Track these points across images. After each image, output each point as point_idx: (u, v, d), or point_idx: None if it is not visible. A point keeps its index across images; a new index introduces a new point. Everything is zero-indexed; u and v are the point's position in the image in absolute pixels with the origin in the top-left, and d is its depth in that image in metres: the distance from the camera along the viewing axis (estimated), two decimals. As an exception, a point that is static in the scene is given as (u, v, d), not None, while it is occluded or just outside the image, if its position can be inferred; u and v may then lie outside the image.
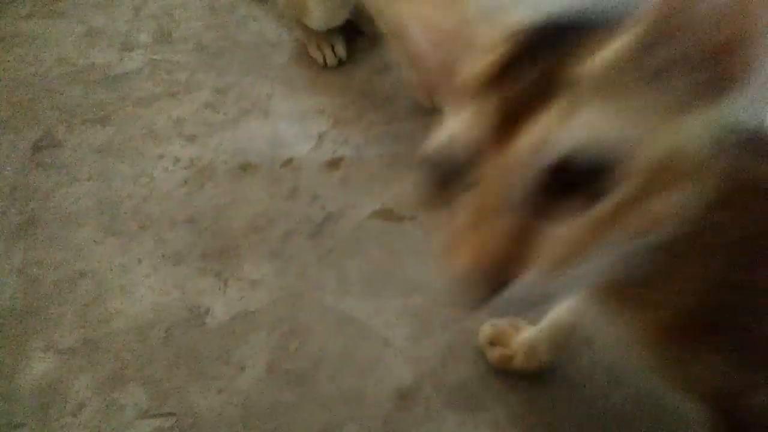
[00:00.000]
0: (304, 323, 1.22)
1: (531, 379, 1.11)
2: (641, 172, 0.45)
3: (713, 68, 0.44)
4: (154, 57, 1.77)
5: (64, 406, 1.15)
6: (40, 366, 1.21)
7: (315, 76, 1.66)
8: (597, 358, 1.13)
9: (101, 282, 1.32)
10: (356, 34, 1.70)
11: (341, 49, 1.64)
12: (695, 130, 0.46)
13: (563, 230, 0.45)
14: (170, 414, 1.13)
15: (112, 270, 1.33)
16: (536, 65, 0.47)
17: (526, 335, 1.09)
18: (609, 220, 0.45)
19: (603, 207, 0.45)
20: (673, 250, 0.50)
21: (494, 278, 0.45)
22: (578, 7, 0.52)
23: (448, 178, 0.49)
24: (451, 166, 0.48)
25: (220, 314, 1.25)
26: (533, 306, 0.48)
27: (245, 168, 1.47)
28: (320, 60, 1.65)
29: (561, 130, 0.44)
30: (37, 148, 1.60)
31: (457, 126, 0.48)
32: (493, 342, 1.13)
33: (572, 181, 0.44)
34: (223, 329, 1.23)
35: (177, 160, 1.51)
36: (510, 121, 0.45)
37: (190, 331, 1.23)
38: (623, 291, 0.58)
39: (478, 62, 0.50)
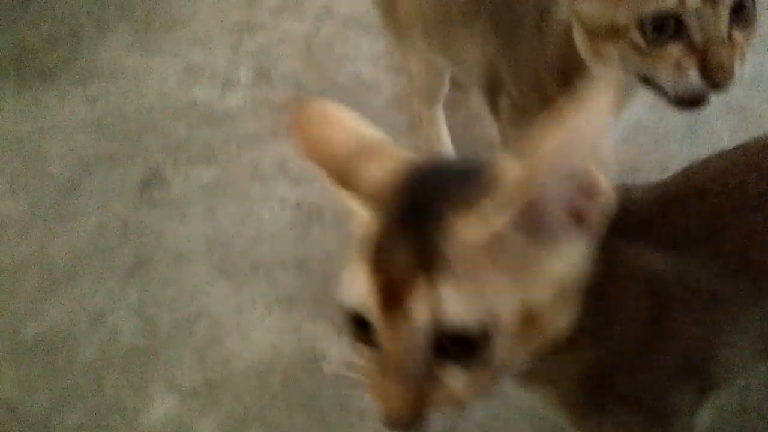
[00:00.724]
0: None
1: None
2: (511, 327, 0.51)
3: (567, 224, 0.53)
4: (255, 95, 1.82)
5: (190, 449, 1.19)
6: (162, 406, 1.25)
7: (412, 120, 1.68)
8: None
9: (217, 323, 1.35)
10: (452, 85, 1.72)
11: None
12: (555, 272, 0.53)
13: (458, 380, 0.52)
14: (294, 460, 1.16)
15: (227, 311, 1.37)
16: (410, 235, 0.52)
17: None
18: (493, 367, 0.53)
19: (485, 359, 0.52)
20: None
21: (406, 423, 0.52)
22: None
23: (362, 328, 0.55)
24: (360, 320, 0.54)
25: (335, 360, 1.27)
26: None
27: (352, 213, 1.50)
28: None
29: (439, 308, 0.49)
30: (145, 185, 1.66)
31: (355, 290, 0.53)
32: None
33: (455, 345, 0.51)
34: (339, 376, 1.25)
35: (283, 201, 1.55)
36: (393, 296, 0.51)
37: (307, 375, 1.26)
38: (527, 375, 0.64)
39: (362, 225, 0.56)
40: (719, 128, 1.48)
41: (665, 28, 0.78)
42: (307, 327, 1.33)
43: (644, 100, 0.95)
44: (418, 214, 0.53)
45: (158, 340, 1.35)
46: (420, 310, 0.50)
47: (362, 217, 0.56)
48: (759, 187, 0.68)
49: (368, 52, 1.89)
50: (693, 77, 0.79)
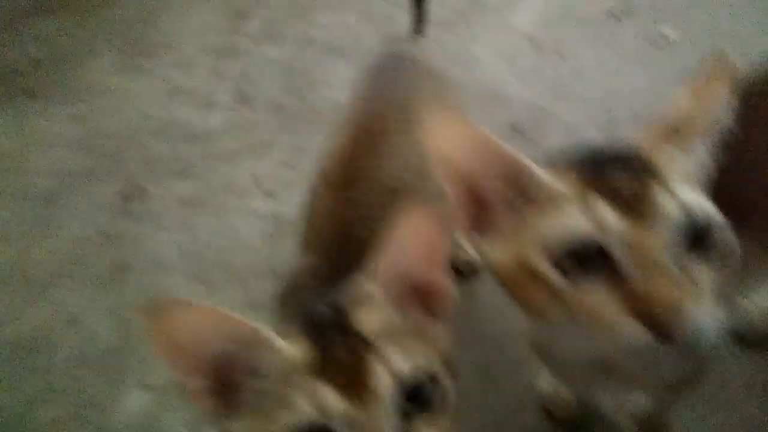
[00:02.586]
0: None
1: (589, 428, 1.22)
2: (442, 367, 0.66)
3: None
4: (234, 116, 1.91)
5: (160, 442, 1.24)
6: (135, 402, 1.31)
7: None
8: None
9: (191, 326, 1.41)
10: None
11: None
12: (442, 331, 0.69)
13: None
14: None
15: (200, 315, 1.43)
16: (340, 345, 0.63)
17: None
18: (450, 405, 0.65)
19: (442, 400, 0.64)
20: None
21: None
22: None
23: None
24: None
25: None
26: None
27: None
28: None
29: (390, 378, 0.60)
30: (125, 197, 1.72)
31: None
32: (552, 399, 1.23)
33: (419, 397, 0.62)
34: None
35: (258, 214, 1.63)
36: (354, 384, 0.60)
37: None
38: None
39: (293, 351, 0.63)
40: None
41: (589, 260, 0.60)
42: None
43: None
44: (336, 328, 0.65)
45: (132, 341, 1.40)
46: (379, 380, 0.60)
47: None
48: None
49: (345, 78, 1.98)
50: (629, 327, 0.57)
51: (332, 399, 0.59)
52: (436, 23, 1.39)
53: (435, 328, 0.69)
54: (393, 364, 0.61)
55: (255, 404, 0.63)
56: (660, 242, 0.58)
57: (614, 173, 0.62)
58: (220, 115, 1.92)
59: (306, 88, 1.98)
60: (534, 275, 0.64)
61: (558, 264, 0.62)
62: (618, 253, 0.59)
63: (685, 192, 0.61)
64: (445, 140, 0.65)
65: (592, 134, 1.65)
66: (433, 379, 0.63)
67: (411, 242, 0.65)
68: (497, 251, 0.68)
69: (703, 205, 0.62)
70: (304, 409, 0.59)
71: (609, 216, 0.60)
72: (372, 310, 0.65)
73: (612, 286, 0.59)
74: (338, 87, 1.95)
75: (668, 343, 0.55)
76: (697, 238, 0.60)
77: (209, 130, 1.88)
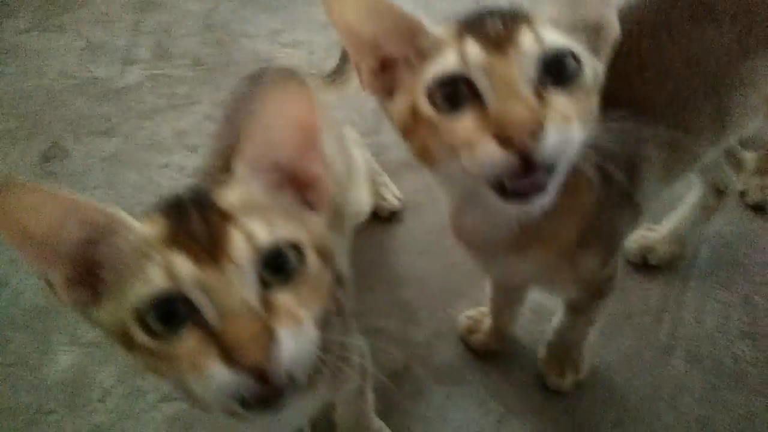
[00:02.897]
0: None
1: (505, 358, 1.28)
2: (311, 247, 0.65)
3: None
4: (154, 71, 1.90)
5: (91, 394, 1.27)
6: (64, 359, 1.33)
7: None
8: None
9: (117, 282, 1.43)
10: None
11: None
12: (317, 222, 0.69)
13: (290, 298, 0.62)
14: (188, 399, 1.25)
15: (126, 270, 1.45)
16: (196, 218, 0.62)
17: (489, 322, 1.27)
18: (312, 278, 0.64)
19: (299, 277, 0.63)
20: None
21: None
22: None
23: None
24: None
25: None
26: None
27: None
28: None
29: (247, 244, 0.60)
30: (46, 158, 1.71)
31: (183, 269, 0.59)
32: (470, 329, 1.29)
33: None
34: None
35: (182, 169, 1.64)
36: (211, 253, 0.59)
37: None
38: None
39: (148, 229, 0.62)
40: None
41: (459, 94, 0.69)
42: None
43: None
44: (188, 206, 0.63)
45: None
46: (235, 255, 0.59)
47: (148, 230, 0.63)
48: None
49: (265, 29, 1.99)
50: (489, 148, 0.66)
51: (184, 266, 0.58)
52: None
53: (309, 217, 0.68)
54: (252, 233, 0.61)
55: (113, 286, 0.62)
56: (516, 71, 0.67)
57: (489, 21, 0.71)
58: (141, 72, 1.90)
59: (226, 40, 1.97)
60: (420, 118, 0.72)
61: (433, 100, 0.70)
62: (480, 82, 0.68)
63: (549, 34, 0.70)
64: (346, 9, 0.72)
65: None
66: (297, 252, 0.63)
67: (281, 120, 0.64)
68: (398, 107, 0.76)
69: (564, 44, 0.70)
70: (155, 278, 0.58)
71: (474, 51, 0.68)
72: (234, 187, 0.65)
73: (477, 115, 0.68)
74: (258, 38, 1.96)
75: (521, 157, 0.64)
76: (556, 71, 0.69)
77: (130, 87, 1.87)
